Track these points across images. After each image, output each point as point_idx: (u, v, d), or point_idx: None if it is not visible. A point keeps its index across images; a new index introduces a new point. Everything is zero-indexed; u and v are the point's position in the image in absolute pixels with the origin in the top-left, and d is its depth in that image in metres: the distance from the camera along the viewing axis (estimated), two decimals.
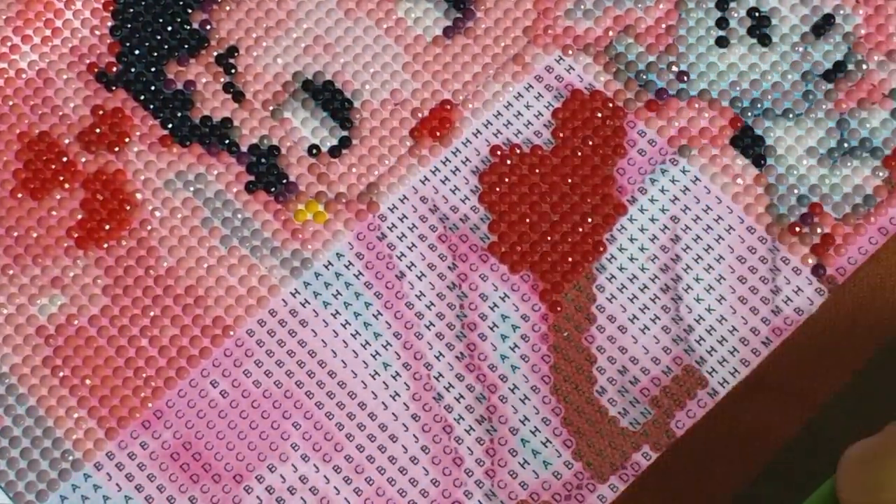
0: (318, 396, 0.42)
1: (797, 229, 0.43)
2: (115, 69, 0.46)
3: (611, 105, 0.45)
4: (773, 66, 0.45)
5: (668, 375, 0.42)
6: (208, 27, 0.47)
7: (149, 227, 0.44)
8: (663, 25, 0.46)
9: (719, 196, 0.44)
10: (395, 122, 0.45)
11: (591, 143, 0.45)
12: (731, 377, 0.42)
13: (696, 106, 0.45)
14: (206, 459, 0.42)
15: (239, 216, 0.44)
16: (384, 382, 0.42)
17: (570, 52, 0.46)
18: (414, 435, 0.42)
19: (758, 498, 0.40)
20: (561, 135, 0.45)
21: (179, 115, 0.46)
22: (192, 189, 0.45)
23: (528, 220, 0.44)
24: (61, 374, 0.43)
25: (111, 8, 0.47)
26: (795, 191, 0.44)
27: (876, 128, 0.44)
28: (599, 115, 0.45)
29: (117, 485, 0.42)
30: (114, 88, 0.46)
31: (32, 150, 0.45)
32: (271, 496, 0.41)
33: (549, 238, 0.44)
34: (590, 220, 0.44)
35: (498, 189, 0.44)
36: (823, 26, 0.45)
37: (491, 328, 0.43)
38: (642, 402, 0.42)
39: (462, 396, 0.42)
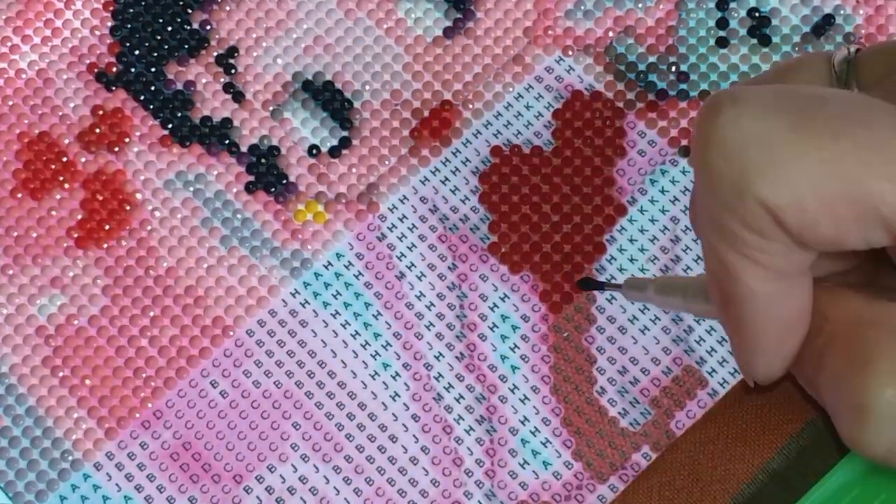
0: (317, 397, 0.42)
1: None
2: (114, 69, 0.46)
3: (611, 106, 0.45)
4: (773, 66, 0.45)
5: (668, 376, 0.42)
6: (208, 27, 0.47)
7: (148, 228, 0.44)
8: (664, 26, 0.46)
9: None
10: (395, 123, 0.45)
11: (591, 144, 0.45)
12: (732, 377, 0.42)
13: (697, 107, 0.45)
14: (206, 460, 0.42)
15: (239, 216, 0.44)
16: (384, 383, 0.42)
17: (571, 52, 0.46)
18: (414, 435, 0.42)
19: (757, 498, 0.40)
20: (561, 136, 0.45)
21: (179, 115, 0.46)
22: (191, 189, 0.45)
23: (528, 221, 0.44)
24: (61, 374, 0.43)
25: (111, 8, 0.47)
26: None
27: None
28: (600, 115, 0.45)
29: (117, 485, 0.42)
30: (114, 88, 0.46)
31: (32, 150, 0.45)
32: (271, 496, 0.41)
33: (549, 239, 0.44)
34: (590, 221, 0.44)
35: (498, 190, 0.44)
36: (824, 27, 0.45)
37: (491, 329, 0.43)
38: (642, 403, 0.42)
39: (462, 397, 0.42)
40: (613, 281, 0.43)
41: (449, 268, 0.43)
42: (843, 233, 0.27)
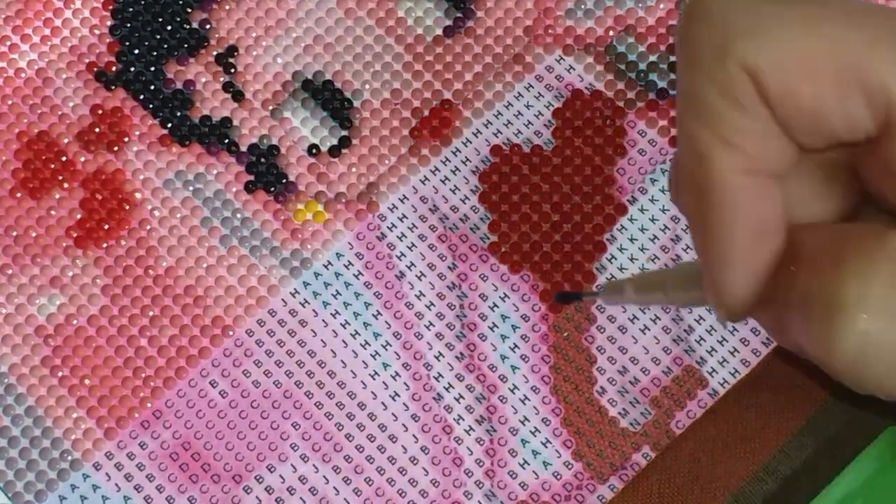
0: (317, 396, 0.42)
1: None
2: (114, 68, 0.46)
3: (611, 105, 0.45)
4: None
5: (669, 376, 0.42)
6: (208, 26, 0.47)
7: (148, 227, 0.44)
8: (664, 25, 0.46)
9: None
10: (395, 122, 0.45)
11: (591, 143, 0.45)
12: (732, 377, 0.42)
13: None
14: (206, 459, 0.42)
15: (238, 216, 0.44)
16: (384, 382, 0.42)
17: (571, 51, 0.46)
18: (413, 435, 0.42)
19: (757, 497, 0.40)
20: (561, 135, 0.45)
21: (179, 114, 0.46)
22: (191, 189, 0.45)
23: (528, 221, 0.44)
24: (60, 373, 0.43)
25: (111, 7, 0.47)
26: None
27: None
28: (600, 114, 0.45)
29: (116, 485, 0.42)
30: (113, 88, 0.46)
31: (31, 149, 0.45)
32: (270, 496, 0.41)
33: (549, 238, 0.44)
34: (590, 220, 0.44)
35: (498, 189, 0.44)
36: None
37: (491, 328, 0.43)
38: (642, 403, 0.42)
39: (462, 397, 0.42)
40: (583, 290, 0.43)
41: (449, 267, 0.43)
42: (824, 103, 0.26)
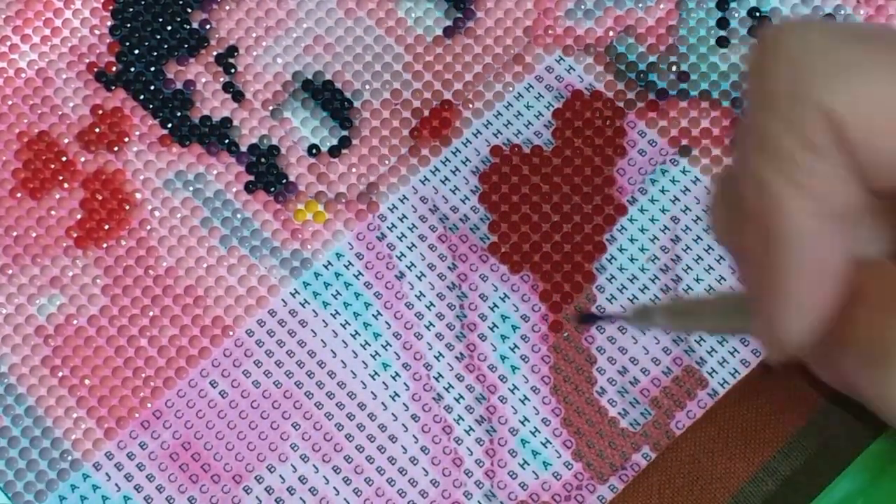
0: (317, 397, 0.42)
1: None
2: (114, 69, 0.46)
3: (611, 105, 0.45)
4: None
5: (669, 376, 0.42)
6: (208, 27, 0.47)
7: (148, 227, 0.44)
8: (664, 26, 0.46)
9: None
10: (395, 122, 0.45)
11: (591, 143, 0.45)
12: (732, 378, 0.42)
13: (697, 106, 0.45)
14: (206, 460, 0.42)
15: (238, 216, 0.44)
16: (384, 383, 0.42)
17: (571, 52, 0.46)
18: (413, 435, 0.42)
19: (757, 497, 0.40)
20: (561, 135, 0.45)
21: (179, 114, 0.46)
22: (191, 189, 0.45)
23: (528, 221, 0.44)
24: (60, 374, 0.43)
25: (111, 7, 0.47)
26: None
27: None
28: (600, 115, 0.45)
29: (116, 485, 0.42)
30: (113, 88, 0.46)
31: (31, 149, 0.45)
32: (270, 496, 0.41)
33: (549, 239, 0.44)
34: (590, 220, 0.44)
35: (498, 189, 0.44)
36: None
37: (491, 328, 0.43)
38: (642, 403, 0.42)
39: (462, 397, 0.42)
40: (603, 310, 0.42)
41: (449, 268, 0.43)
42: None
